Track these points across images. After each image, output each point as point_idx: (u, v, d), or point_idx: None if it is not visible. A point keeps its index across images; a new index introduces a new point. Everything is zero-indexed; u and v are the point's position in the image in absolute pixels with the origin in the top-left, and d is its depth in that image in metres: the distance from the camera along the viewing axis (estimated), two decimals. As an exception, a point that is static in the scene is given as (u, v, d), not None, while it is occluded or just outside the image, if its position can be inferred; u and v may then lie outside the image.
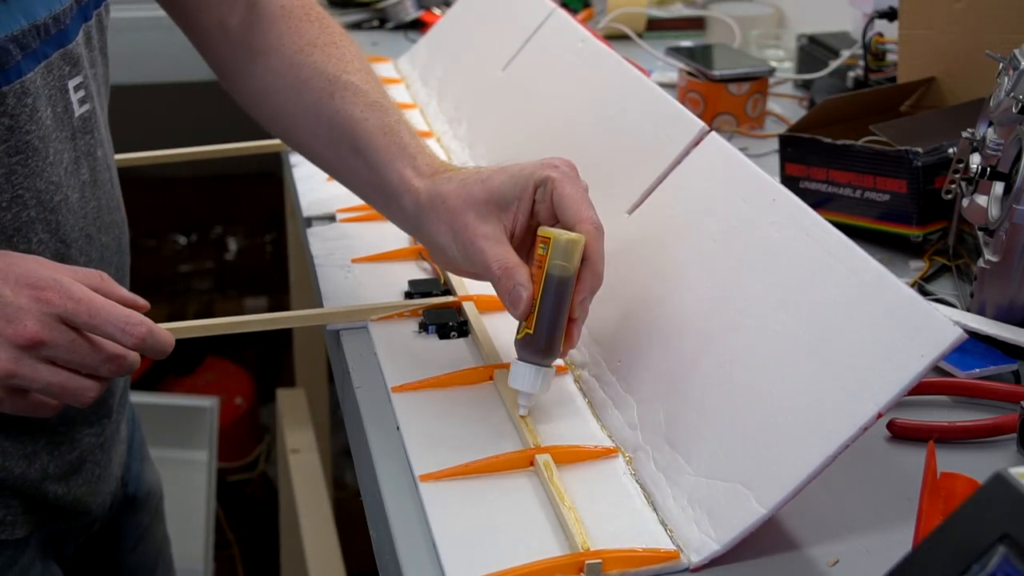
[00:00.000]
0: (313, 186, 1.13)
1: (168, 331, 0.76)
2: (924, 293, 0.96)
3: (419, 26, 1.69)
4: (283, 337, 2.21)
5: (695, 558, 0.66)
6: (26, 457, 0.86)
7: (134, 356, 0.74)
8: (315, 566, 1.72)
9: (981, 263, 0.90)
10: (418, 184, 0.82)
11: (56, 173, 0.83)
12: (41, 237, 0.83)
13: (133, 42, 1.86)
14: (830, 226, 0.72)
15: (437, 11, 1.69)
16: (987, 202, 0.90)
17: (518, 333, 0.75)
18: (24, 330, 0.70)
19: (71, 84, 0.84)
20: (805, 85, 1.47)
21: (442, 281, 0.94)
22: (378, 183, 0.86)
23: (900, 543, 0.65)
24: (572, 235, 0.74)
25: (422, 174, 0.83)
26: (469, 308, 0.89)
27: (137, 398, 1.48)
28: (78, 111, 0.85)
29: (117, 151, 1.02)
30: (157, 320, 0.77)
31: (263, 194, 2.29)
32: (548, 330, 0.74)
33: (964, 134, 0.96)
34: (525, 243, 0.79)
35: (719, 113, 1.35)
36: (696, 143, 0.85)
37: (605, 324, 0.84)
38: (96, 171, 0.88)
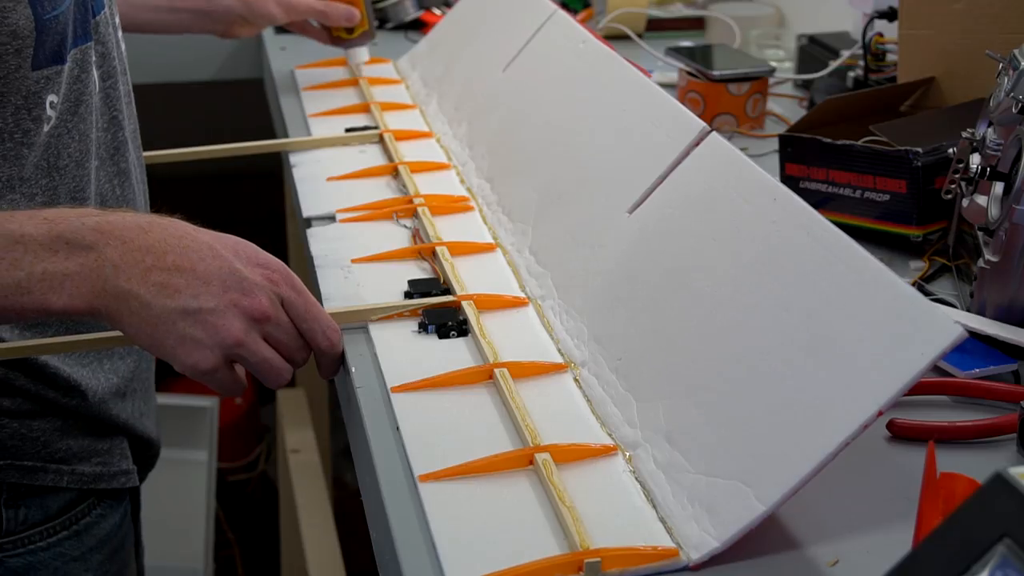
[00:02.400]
0: (313, 186, 1.13)
1: None
2: (924, 293, 0.96)
3: (419, 26, 1.69)
4: (283, 337, 2.20)
5: (695, 555, 0.66)
6: (133, 393, 0.94)
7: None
8: (315, 566, 1.72)
9: (981, 263, 0.90)
10: None
11: (124, 103, 0.92)
12: (130, 158, 0.93)
13: (133, 43, 1.87)
14: (831, 225, 0.72)
15: (437, 11, 1.69)
16: (987, 202, 0.90)
17: (352, 34, 1.34)
18: (259, 304, 0.75)
19: (116, 21, 0.93)
20: (805, 85, 1.47)
21: (442, 281, 0.94)
22: (195, 6, 1.27)
23: (900, 543, 0.65)
24: None
25: None
26: (468, 308, 0.89)
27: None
28: (123, 48, 0.94)
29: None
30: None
31: (263, 194, 2.29)
32: (373, 22, 1.36)
33: (964, 134, 0.96)
34: None
35: (719, 113, 1.35)
36: (697, 143, 0.86)
37: (605, 323, 0.84)
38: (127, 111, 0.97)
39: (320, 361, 0.82)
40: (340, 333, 0.81)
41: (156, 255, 0.72)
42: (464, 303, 0.90)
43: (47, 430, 0.87)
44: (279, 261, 0.78)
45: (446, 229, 1.02)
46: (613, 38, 1.58)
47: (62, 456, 0.87)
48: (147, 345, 0.74)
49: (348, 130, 1.24)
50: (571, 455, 0.74)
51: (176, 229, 0.75)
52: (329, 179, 1.13)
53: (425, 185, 1.10)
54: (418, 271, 0.97)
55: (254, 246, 0.78)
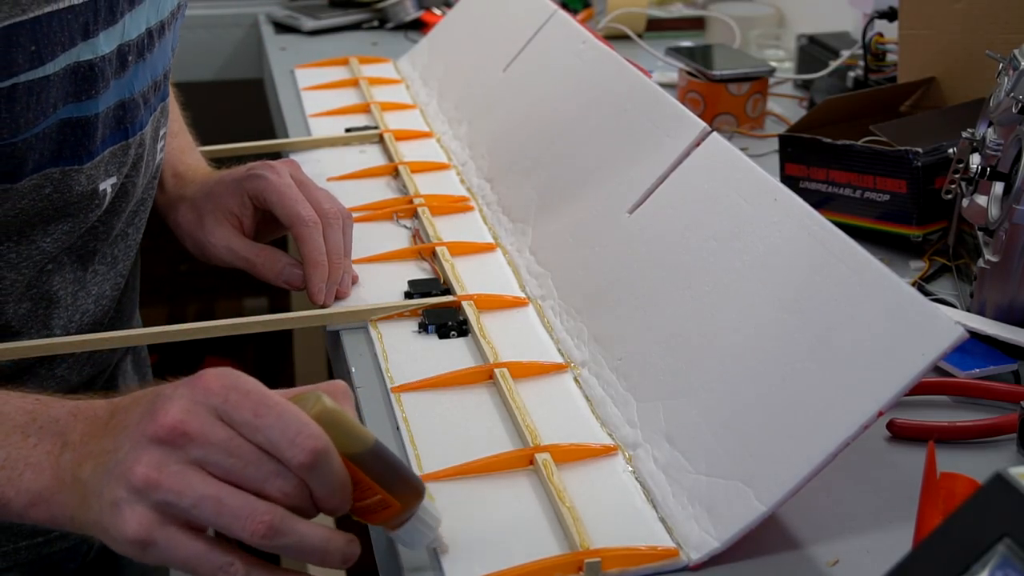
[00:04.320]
0: (313, 186, 1.13)
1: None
2: (924, 293, 0.96)
3: (419, 26, 1.69)
4: (283, 337, 2.20)
5: (695, 556, 0.66)
6: None
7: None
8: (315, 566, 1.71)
9: (981, 263, 0.90)
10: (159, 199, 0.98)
11: (145, 210, 0.92)
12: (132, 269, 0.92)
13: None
14: (831, 226, 0.72)
15: (437, 11, 1.69)
16: (987, 202, 0.90)
17: (390, 526, 0.62)
18: (166, 420, 0.56)
19: (160, 132, 0.90)
20: (805, 85, 1.47)
21: (442, 281, 0.94)
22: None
23: (900, 543, 0.65)
24: (313, 411, 0.58)
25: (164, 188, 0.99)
26: (469, 308, 0.89)
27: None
28: (157, 158, 0.91)
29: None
30: (158, 322, 0.77)
31: (263, 194, 2.29)
32: (397, 485, 0.61)
33: (964, 134, 0.96)
34: (257, 224, 0.95)
35: (719, 113, 1.35)
36: (697, 143, 0.85)
37: (605, 323, 0.84)
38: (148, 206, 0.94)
39: (314, 495, 0.57)
40: (323, 439, 0.56)
41: (111, 425, 0.60)
42: (464, 303, 0.90)
43: None
44: (226, 369, 0.58)
45: (446, 229, 1.02)
46: (613, 38, 1.58)
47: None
48: (98, 534, 0.59)
49: (348, 130, 1.24)
50: (571, 455, 0.74)
51: (148, 391, 0.61)
52: (329, 179, 1.13)
53: (425, 185, 1.10)
54: (418, 271, 0.97)
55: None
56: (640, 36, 1.62)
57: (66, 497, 0.59)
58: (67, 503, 0.59)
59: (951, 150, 0.98)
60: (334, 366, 0.93)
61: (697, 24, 1.74)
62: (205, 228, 0.93)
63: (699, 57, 1.40)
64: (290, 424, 0.56)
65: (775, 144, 1.14)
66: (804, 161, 1.09)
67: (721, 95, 1.34)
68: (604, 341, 0.83)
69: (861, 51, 1.35)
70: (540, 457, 0.72)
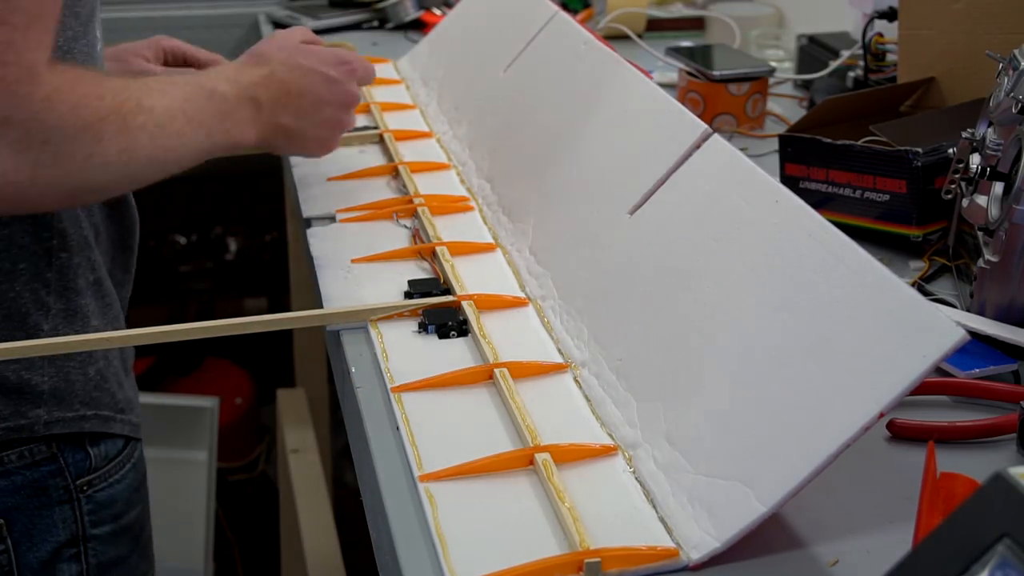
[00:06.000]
0: (313, 186, 1.13)
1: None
2: (924, 293, 0.96)
3: (419, 26, 1.69)
4: (283, 337, 2.20)
5: (695, 556, 0.66)
6: None
7: None
8: (315, 566, 1.72)
9: (981, 263, 0.90)
10: None
11: None
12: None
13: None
14: (832, 227, 0.72)
15: (437, 11, 1.69)
16: (987, 202, 0.90)
17: None
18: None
19: None
20: (805, 85, 1.47)
21: (442, 281, 0.94)
22: None
23: (900, 543, 0.65)
24: None
25: None
26: (468, 308, 0.89)
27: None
28: None
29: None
30: (158, 322, 0.78)
31: (263, 194, 2.29)
32: None
33: (964, 134, 0.96)
34: None
35: (719, 113, 1.35)
36: (698, 145, 0.86)
37: (605, 323, 0.84)
38: None
39: None
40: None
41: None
42: (464, 303, 0.90)
43: (112, 382, 0.97)
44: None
45: (446, 229, 1.02)
46: (613, 38, 1.58)
47: (120, 407, 0.98)
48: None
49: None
50: (571, 455, 0.74)
51: None
52: (329, 179, 1.13)
53: (425, 185, 1.10)
54: (418, 271, 0.97)
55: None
56: (640, 36, 1.62)
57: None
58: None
59: (951, 150, 0.98)
60: (334, 366, 0.93)
61: (697, 24, 1.74)
62: None
63: (699, 57, 1.40)
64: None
65: (775, 144, 1.14)
66: (804, 161, 1.09)
67: (721, 95, 1.34)
68: (604, 341, 0.83)
69: (861, 51, 1.35)
70: (540, 457, 0.72)
